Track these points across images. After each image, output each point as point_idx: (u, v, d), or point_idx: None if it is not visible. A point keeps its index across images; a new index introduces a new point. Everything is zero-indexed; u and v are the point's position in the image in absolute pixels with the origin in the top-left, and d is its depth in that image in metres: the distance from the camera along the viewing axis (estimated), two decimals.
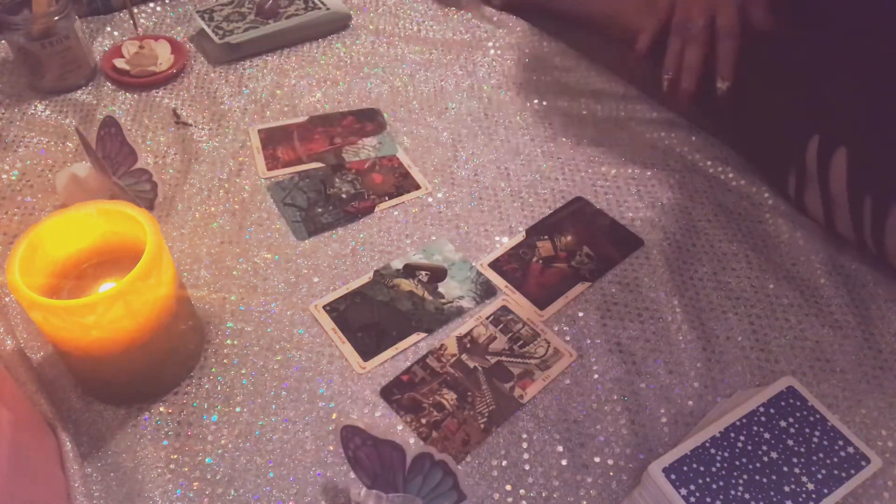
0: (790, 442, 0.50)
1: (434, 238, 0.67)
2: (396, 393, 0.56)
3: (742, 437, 0.49)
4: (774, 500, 0.47)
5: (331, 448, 0.52)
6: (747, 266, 0.66)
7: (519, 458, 0.52)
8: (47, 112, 0.77)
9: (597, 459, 0.53)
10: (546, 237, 0.68)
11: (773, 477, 0.48)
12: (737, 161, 0.75)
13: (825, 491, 0.47)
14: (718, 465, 0.48)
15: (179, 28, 0.89)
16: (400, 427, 0.54)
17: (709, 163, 0.75)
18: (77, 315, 0.46)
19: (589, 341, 0.60)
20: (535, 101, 0.82)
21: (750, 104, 0.73)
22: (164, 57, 0.82)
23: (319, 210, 0.69)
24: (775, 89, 0.70)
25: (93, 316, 0.46)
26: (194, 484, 0.50)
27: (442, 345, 0.59)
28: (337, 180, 0.72)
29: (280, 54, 0.87)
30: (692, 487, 0.46)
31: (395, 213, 0.69)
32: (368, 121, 0.78)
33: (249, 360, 0.57)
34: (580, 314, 0.62)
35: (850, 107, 0.65)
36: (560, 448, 0.53)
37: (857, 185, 0.62)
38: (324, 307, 0.61)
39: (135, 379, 0.53)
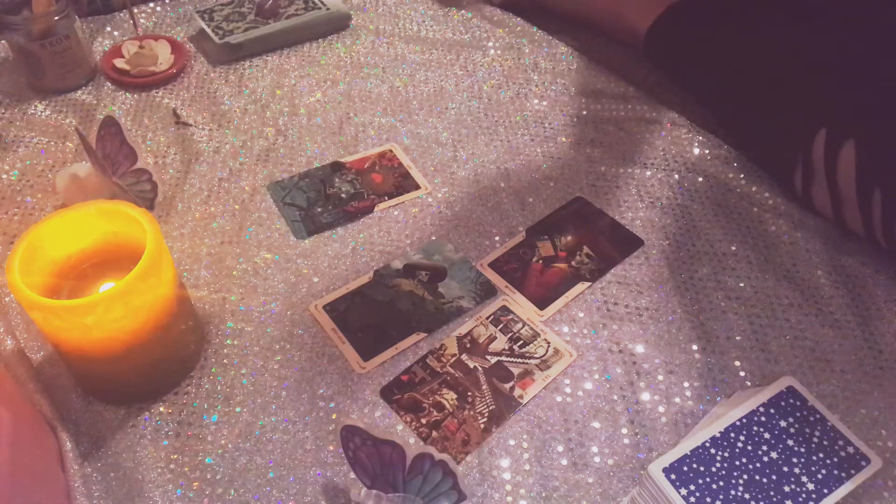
0: (790, 442, 0.50)
1: (434, 238, 0.67)
2: (396, 393, 0.56)
3: (742, 437, 0.49)
4: (774, 500, 0.47)
5: (331, 448, 0.52)
6: (747, 266, 0.66)
7: (519, 458, 0.52)
8: (47, 112, 0.77)
9: (597, 459, 0.53)
10: (546, 237, 0.68)
11: (773, 477, 0.48)
12: (737, 161, 0.75)
13: (825, 491, 0.47)
14: (718, 465, 0.48)
15: (179, 28, 0.89)
16: (400, 427, 0.54)
17: (709, 162, 0.75)
18: (77, 315, 0.46)
19: (589, 341, 0.60)
20: (535, 101, 0.82)
21: (756, 99, 0.73)
22: (164, 57, 0.82)
23: (319, 210, 0.69)
24: (781, 83, 0.70)
25: (93, 316, 0.46)
26: (194, 484, 0.50)
27: (442, 345, 0.59)
28: (337, 180, 0.72)
29: (280, 54, 0.87)
30: (692, 487, 0.46)
31: (395, 213, 0.69)
32: None
33: (249, 360, 0.57)
34: (580, 314, 0.62)
35: (857, 99, 0.64)
36: (560, 448, 0.53)
37: (865, 178, 0.62)
38: (324, 307, 0.61)
39: (135, 379, 0.53)
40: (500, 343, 0.59)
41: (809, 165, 0.66)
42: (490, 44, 0.90)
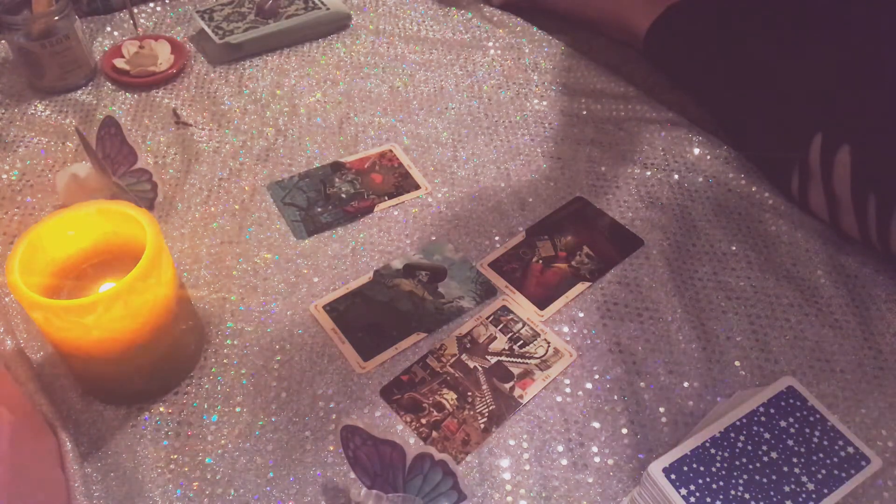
0: (790, 442, 0.50)
1: (434, 238, 0.67)
2: (396, 393, 0.56)
3: (742, 437, 0.49)
4: (774, 500, 0.47)
5: (331, 448, 0.52)
6: (747, 266, 0.66)
7: (519, 458, 0.52)
8: (47, 112, 0.77)
9: (597, 459, 0.53)
10: (546, 237, 0.68)
11: (773, 477, 0.48)
12: (737, 161, 0.75)
13: (825, 491, 0.47)
14: (718, 465, 0.48)
15: (179, 28, 0.89)
16: (400, 427, 0.54)
17: (709, 162, 0.75)
18: (77, 315, 0.46)
19: (589, 341, 0.60)
20: (535, 101, 0.82)
21: (753, 100, 0.73)
22: (164, 57, 0.82)
23: (319, 210, 0.69)
24: (779, 86, 0.70)
25: (93, 316, 0.46)
26: (194, 484, 0.50)
27: (442, 345, 0.59)
28: (336, 180, 0.72)
29: (280, 54, 0.87)
30: (692, 487, 0.46)
31: (395, 212, 0.69)
32: None
33: (249, 360, 0.57)
34: (580, 314, 0.62)
35: (853, 104, 0.65)
36: (560, 448, 0.53)
37: (860, 184, 0.62)
38: (324, 307, 0.61)
39: (135, 379, 0.53)
40: (500, 343, 0.59)
41: (806, 169, 0.66)
42: (490, 44, 0.90)
